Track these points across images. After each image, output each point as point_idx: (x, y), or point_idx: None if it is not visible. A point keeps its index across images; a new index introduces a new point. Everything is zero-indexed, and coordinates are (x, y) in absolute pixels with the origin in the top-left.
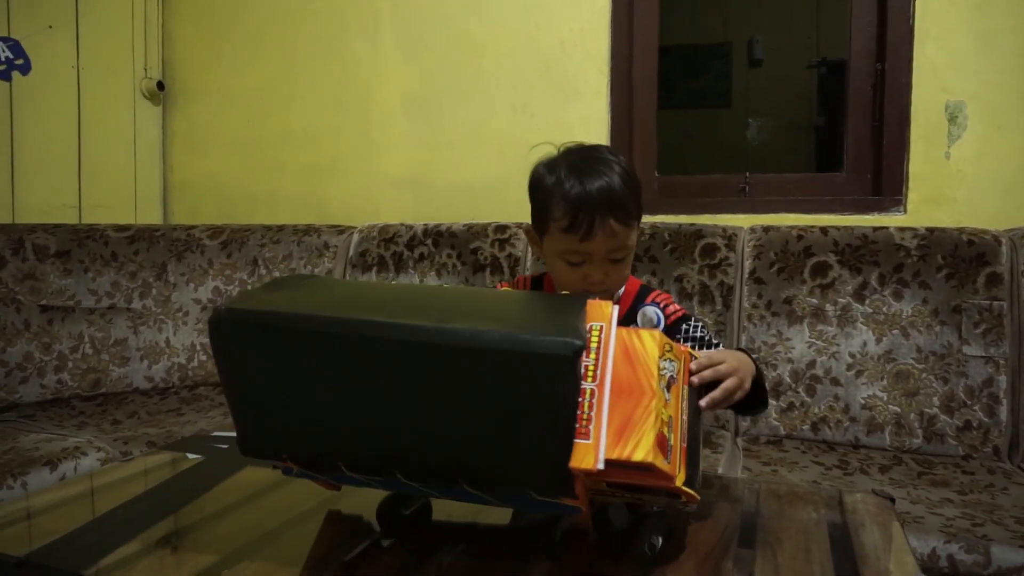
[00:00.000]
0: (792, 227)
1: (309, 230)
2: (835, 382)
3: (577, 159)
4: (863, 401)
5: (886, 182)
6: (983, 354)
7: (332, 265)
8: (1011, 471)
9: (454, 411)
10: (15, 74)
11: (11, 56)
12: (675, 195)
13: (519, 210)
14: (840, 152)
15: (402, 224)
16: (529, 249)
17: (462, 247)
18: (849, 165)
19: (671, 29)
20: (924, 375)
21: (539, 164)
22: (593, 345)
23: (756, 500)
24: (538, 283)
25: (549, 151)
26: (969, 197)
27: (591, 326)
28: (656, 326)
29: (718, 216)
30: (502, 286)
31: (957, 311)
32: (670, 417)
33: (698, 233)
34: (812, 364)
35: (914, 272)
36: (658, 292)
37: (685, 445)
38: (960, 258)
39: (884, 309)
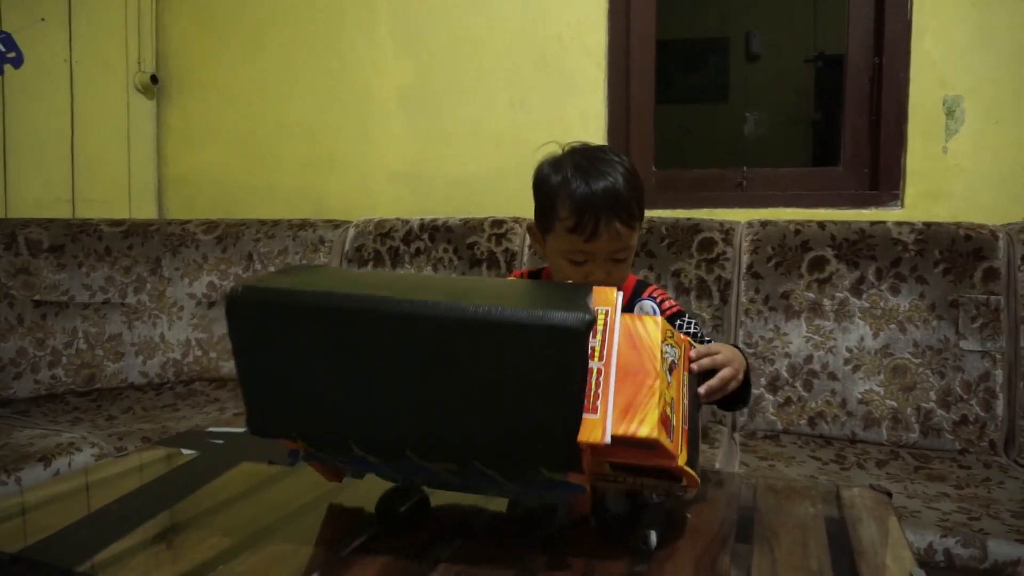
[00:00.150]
0: (789, 222)
1: (305, 224)
2: (832, 377)
3: (582, 159)
4: (860, 396)
5: (883, 176)
6: (980, 348)
7: (328, 260)
8: (1007, 465)
9: (467, 386)
10: (7, 67)
11: (3, 49)
12: (672, 189)
13: (516, 204)
14: (837, 147)
15: (398, 219)
16: (526, 243)
17: (458, 242)
18: (846, 160)
19: (668, 23)
20: (921, 370)
21: (544, 163)
22: (599, 328)
23: (753, 495)
24: (536, 278)
25: (553, 150)
26: (966, 192)
27: (597, 310)
28: None
29: (715, 211)
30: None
31: (954, 305)
32: (672, 399)
33: (695, 227)
34: (809, 359)
35: (911, 267)
36: (654, 287)
37: (686, 428)
38: (957, 253)
39: (881, 304)
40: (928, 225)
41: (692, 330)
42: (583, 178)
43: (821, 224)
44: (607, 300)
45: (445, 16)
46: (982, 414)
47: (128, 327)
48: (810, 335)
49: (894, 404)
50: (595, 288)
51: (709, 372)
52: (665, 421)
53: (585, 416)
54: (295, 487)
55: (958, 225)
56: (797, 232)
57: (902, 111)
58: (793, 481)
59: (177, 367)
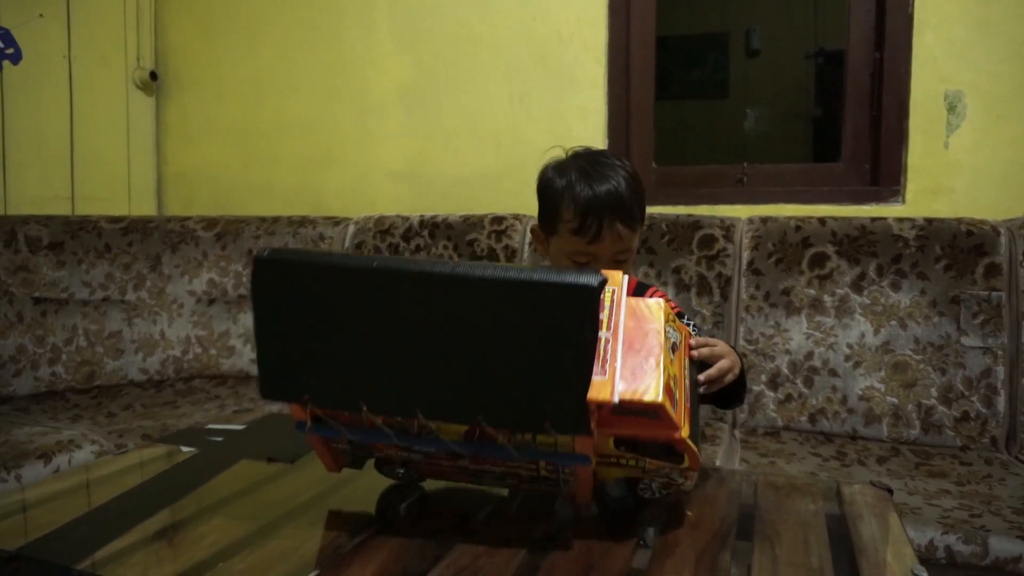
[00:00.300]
0: (790, 218)
1: (304, 221)
2: (833, 373)
3: (586, 163)
4: (861, 392)
5: (884, 172)
6: (981, 345)
7: None
8: (1008, 462)
9: (481, 345)
10: (6, 63)
11: (1, 45)
12: (673, 186)
13: (516, 201)
14: (838, 142)
15: (398, 215)
16: (526, 240)
17: (458, 239)
18: (847, 155)
19: (668, 19)
20: (922, 366)
21: (548, 167)
22: (606, 304)
23: (754, 492)
24: None
25: (557, 154)
26: (968, 187)
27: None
28: None
29: (716, 207)
30: None
31: (955, 302)
32: (675, 376)
33: (696, 224)
34: (810, 355)
35: (912, 263)
36: (655, 288)
37: (688, 407)
38: (958, 248)
39: (882, 300)
40: (929, 221)
41: (692, 330)
42: (587, 182)
43: (822, 220)
44: (614, 281)
45: (444, 12)
46: (983, 410)
47: (128, 324)
48: (811, 331)
49: (895, 400)
50: (602, 270)
51: (707, 365)
52: (669, 392)
53: (594, 378)
54: (295, 485)
55: (959, 221)
56: (798, 228)
57: (903, 107)
58: (794, 478)
59: (177, 364)
